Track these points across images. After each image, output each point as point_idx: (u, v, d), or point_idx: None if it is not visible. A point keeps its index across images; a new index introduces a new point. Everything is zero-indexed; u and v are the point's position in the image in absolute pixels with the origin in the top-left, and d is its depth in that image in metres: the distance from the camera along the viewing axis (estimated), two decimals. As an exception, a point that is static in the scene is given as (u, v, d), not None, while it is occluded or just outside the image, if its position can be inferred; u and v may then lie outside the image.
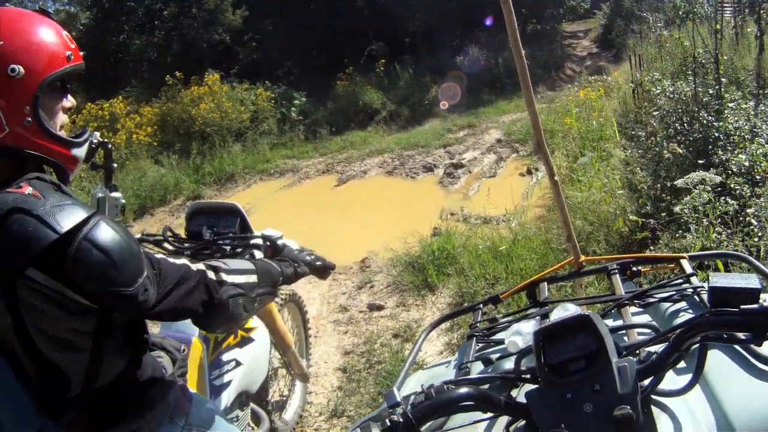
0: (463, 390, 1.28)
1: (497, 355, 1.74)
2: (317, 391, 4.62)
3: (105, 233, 1.49)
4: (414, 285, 5.88)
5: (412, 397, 1.30)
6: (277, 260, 2.23)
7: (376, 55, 18.05)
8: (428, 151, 11.74)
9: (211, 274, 1.77)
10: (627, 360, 1.20)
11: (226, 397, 2.61)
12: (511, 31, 2.44)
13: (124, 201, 2.13)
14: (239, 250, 2.73)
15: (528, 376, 1.42)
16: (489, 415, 1.40)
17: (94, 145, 1.88)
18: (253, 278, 1.96)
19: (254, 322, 2.95)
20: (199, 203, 3.14)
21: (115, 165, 2.21)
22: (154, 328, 3.50)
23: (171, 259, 1.71)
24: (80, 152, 1.76)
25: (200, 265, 1.77)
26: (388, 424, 1.25)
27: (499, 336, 1.92)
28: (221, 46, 20.33)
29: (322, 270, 2.41)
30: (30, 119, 1.57)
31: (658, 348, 1.24)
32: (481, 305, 2.15)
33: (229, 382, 2.65)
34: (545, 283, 2.11)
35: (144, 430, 1.83)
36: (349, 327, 5.60)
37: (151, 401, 1.84)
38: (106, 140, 1.97)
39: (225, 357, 2.70)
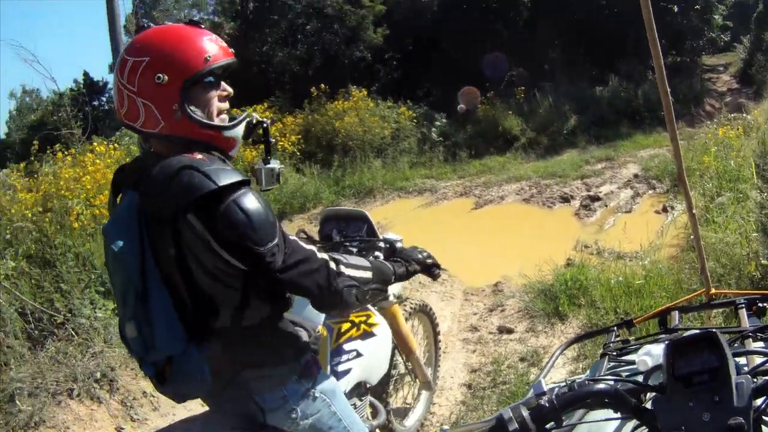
0: (602, 386, 1.46)
1: (627, 374, 1.84)
2: (441, 403, 4.85)
3: (249, 200, 1.89)
4: (545, 312, 6.00)
5: (556, 388, 1.47)
6: (392, 261, 2.55)
7: (516, 81, 18.40)
8: (565, 182, 12.09)
9: (332, 264, 2.09)
10: (745, 378, 1.32)
11: (345, 383, 2.78)
12: (658, 65, 2.65)
13: (279, 170, 2.38)
14: (364, 252, 2.96)
15: (655, 385, 1.52)
16: (616, 418, 1.57)
17: (252, 125, 2.20)
18: (368, 274, 2.28)
19: (377, 318, 3.15)
20: (331, 209, 3.48)
21: (273, 140, 2.45)
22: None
23: (301, 242, 2.06)
24: (234, 133, 2.12)
25: (325, 255, 2.10)
26: (535, 408, 1.42)
27: (629, 357, 2.01)
28: (362, 63, 21.07)
29: (432, 267, 2.66)
30: (179, 113, 1.96)
31: None
32: (615, 328, 2.24)
33: (348, 370, 2.83)
34: (677, 311, 2.19)
35: (274, 380, 2.15)
36: (478, 346, 5.80)
37: (285, 356, 2.16)
38: (263, 119, 2.26)
39: (346, 346, 2.89)
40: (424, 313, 4.26)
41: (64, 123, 12.07)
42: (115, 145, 10.67)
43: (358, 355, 2.91)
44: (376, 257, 2.80)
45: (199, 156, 1.93)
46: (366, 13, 20.81)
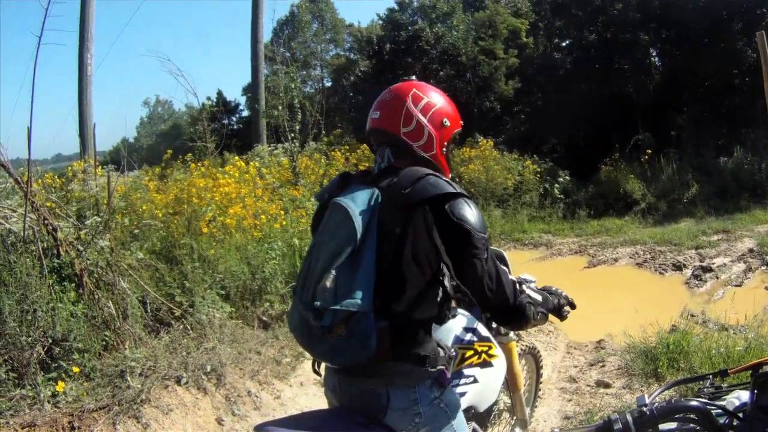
0: (695, 403, 1.67)
1: (717, 412, 1.85)
2: None
3: (472, 203, 2.33)
4: (643, 372, 6.04)
5: (656, 403, 1.70)
6: (549, 293, 2.91)
7: (642, 145, 18.26)
8: (680, 250, 12.03)
9: (517, 285, 2.46)
10: None
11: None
12: None
13: None
14: None
15: (741, 415, 1.73)
16: None
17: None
18: (539, 298, 2.70)
19: (497, 351, 3.26)
20: None
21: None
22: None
23: (496, 259, 2.38)
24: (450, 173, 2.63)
25: (513, 277, 2.54)
26: (637, 414, 1.65)
27: (720, 402, 2.02)
28: (491, 114, 21.57)
29: (568, 306, 2.97)
30: (445, 150, 2.56)
31: None
32: (711, 375, 2.31)
33: (464, 393, 2.95)
34: None
35: (412, 379, 2.38)
36: (574, 396, 5.99)
37: (426, 359, 2.33)
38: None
39: (466, 371, 3.02)
40: (533, 355, 4.49)
41: (199, 135, 13.05)
42: (254, 162, 11.39)
43: (475, 381, 3.04)
44: None
45: (437, 173, 2.40)
46: (499, 65, 21.39)
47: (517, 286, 2.47)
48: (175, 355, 5.57)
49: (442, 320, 2.45)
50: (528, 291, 2.67)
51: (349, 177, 2.62)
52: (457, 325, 3.12)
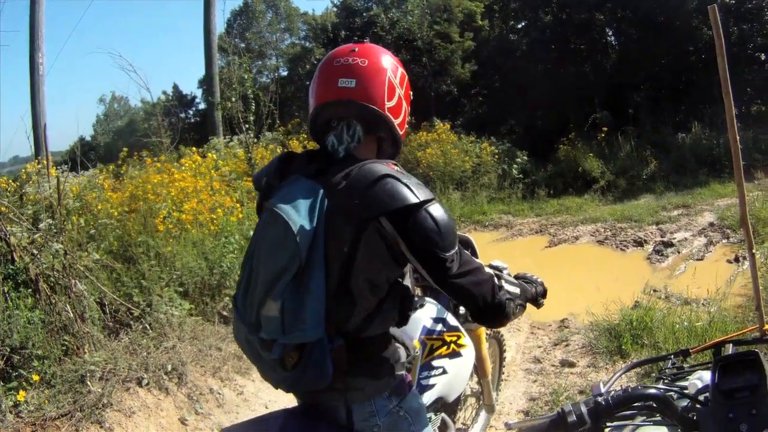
0: (653, 390, 1.66)
1: (678, 396, 1.90)
2: (497, 426, 4.92)
3: (439, 212, 2.01)
4: (608, 350, 6.10)
5: (613, 391, 1.67)
6: (525, 281, 2.71)
7: (600, 124, 18.53)
8: (640, 226, 12.21)
9: (495, 279, 2.20)
10: None
11: (427, 397, 2.84)
12: (729, 111, 2.71)
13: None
14: None
15: (701, 399, 1.72)
16: (663, 423, 1.78)
17: None
18: (518, 290, 2.46)
19: (466, 340, 3.19)
20: None
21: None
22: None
23: (469, 254, 2.15)
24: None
25: (490, 270, 2.24)
26: (592, 405, 1.63)
27: (682, 383, 2.06)
28: (448, 97, 21.60)
29: (544, 294, 2.79)
30: (407, 126, 2.34)
31: None
32: (672, 356, 2.33)
33: (433, 385, 2.90)
34: (731, 344, 2.25)
35: (367, 393, 2.19)
36: (539, 377, 6.00)
37: (384, 372, 2.20)
38: None
39: (435, 363, 2.95)
40: (496, 339, 4.43)
41: (154, 131, 12.91)
42: (210, 155, 11.25)
43: (444, 372, 2.98)
44: None
45: (396, 167, 2.10)
46: (455, 48, 21.42)
47: (495, 281, 2.22)
48: (135, 356, 5.51)
49: (405, 322, 2.27)
50: (506, 285, 2.38)
51: (291, 161, 2.27)
52: (425, 315, 3.04)
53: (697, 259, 9.99)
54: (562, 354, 6.47)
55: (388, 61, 2.22)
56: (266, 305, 1.99)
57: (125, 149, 11.93)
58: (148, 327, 6.03)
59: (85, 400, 4.72)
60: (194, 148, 12.46)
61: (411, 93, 2.33)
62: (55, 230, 6.22)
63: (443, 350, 3.02)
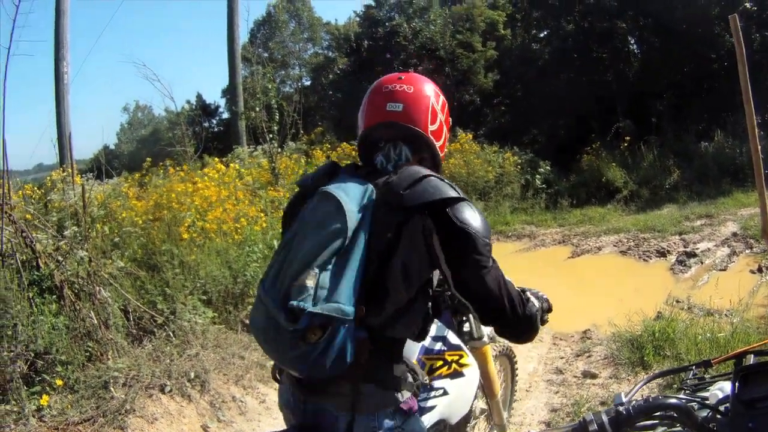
0: (674, 400, 1.62)
1: (699, 407, 1.85)
2: None
3: (475, 208, 2.11)
4: (630, 361, 6.04)
5: (634, 401, 1.64)
6: (537, 297, 2.65)
7: (622, 133, 18.46)
8: (663, 236, 12.19)
9: (522, 294, 2.25)
10: None
11: (427, 420, 2.75)
12: (750, 123, 2.90)
13: None
14: None
15: (722, 409, 1.68)
16: None
17: None
18: (539, 305, 2.44)
19: (469, 360, 3.08)
20: None
21: None
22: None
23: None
24: None
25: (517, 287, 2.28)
26: (614, 414, 1.59)
27: (703, 393, 2.03)
28: (471, 107, 21.61)
29: (550, 311, 2.74)
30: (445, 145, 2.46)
31: None
32: (694, 366, 2.26)
33: (433, 407, 2.80)
34: (752, 354, 2.18)
35: (372, 402, 2.13)
36: (561, 388, 5.96)
37: (392, 383, 2.15)
38: None
39: (435, 383, 2.85)
40: (507, 356, 4.32)
41: (178, 140, 13.01)
42: (234, 165, 11.35)
43: (445, 393, 2.87)
44: None
45: (436, 174, 2.20)
46: (477, 58, 21.46)
47: (523, 295, 2.26)
48: (158, 363, 5.54)
49: (424, 336, 2.29)
50: (533, 300, 2.38)
51: (337, 167, 2.34)
52: None
53: (720, 270, 9.94)
54: (584, 365, 6.46)
55: (430, 88, 2.37)
56: (302, 276, 1.93)
57: (149, 159, 12.06)
58: (171, 334, 6.08)
59: (108, 405, 4.78)
60: (216, 158, 12.60)
61: (450, 119, 2.48)
62: (80, 237, 6.28)
63: (444, 370, 2.93)
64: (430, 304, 2.20)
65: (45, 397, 4.74)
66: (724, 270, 9.95)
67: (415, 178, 2.09)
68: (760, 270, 9.40)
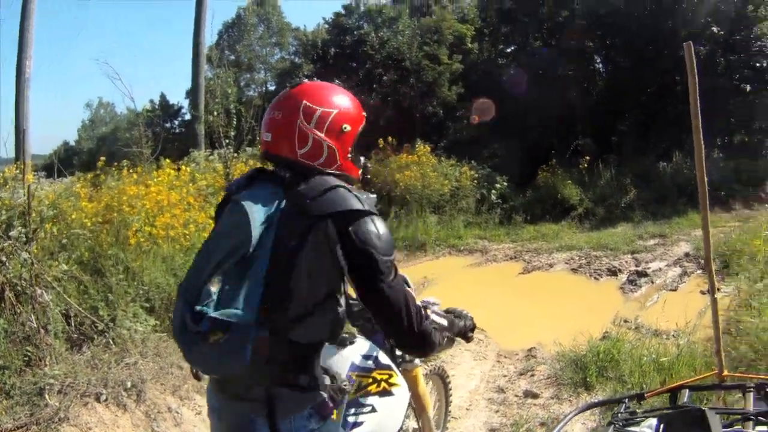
0: None
1: None
2: None
3: (380, 223, 2.16)
4: (572, 381, 6.04)
5: None
6: (455, 315, 2.81)
7: (582, 151, 18.58)
8: (616, 255, 12.22)
9: (422, 310, 2.28)
10: None
11: None
12: (698, 152, 2.81)
13: (376, 200, 2.44)
14: None
15: None
16: None
17: (364, 166, 2.56)
18: (445, 323, 2.60)
19: (399, 380, 3.11)
20: None
21: (369, 176, 2.93)
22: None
23: (405, 285, 2.26)
24: (361, 173, 2.49)
25: (419, 302, 2.31)
26: None
27: (633, 428, 2.04)
28: (434, 119, 21.65)
29: (473, 329, 2.87)
30: (350, 155, 2.36)
31: None
32: (626, 399, 2.30)
33: (361, 423, 2.85)
34: (687, 390, 2.25)
35: (288, 402, 2.16)
36: (501, 407, 5.88)
37: (305, 384, 2.18)
38: (366, 162, 2.61)
39: (363, 400, 2.90)
40: (439, 376, 4.34)
41: (135, 141, 12.71)
42: (185, 167, 11.10)
43: (373, 410, 2.93)
44: None
45: (346, 185, 2.23)
46: (443, 70, 21.44)
47: (422, 311, 2.29)
48: (95, 371, 5.42)
49: (334, 340, 2.30)
50: (433, 316, 2.51)
51: (262, 173, 2.40)
52: (355, 352, 2.98)
53: (671, 290, 9.96)
54: (527, 384, 6.37)
55: (302, 106, 2.29)
56: (208, 282, 2.08)
57: (103, 158, 11.71)
58: (111, 341, 5.96)
59: (42, 413, 4.67)
60: (168, 161, 12.27)
61: (346, 126, 2.35)
62: (25, 239, 6.12)
63: (373, 388, 2.97)
64: (340, 309, 2.22)
65: (-20, 402, 4.66)
66: (675, 290, 9.95)
67: (323, 189, 2.15)
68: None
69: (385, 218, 14.07)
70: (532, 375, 6.60)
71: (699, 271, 10.76)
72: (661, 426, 1.68)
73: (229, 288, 2.06)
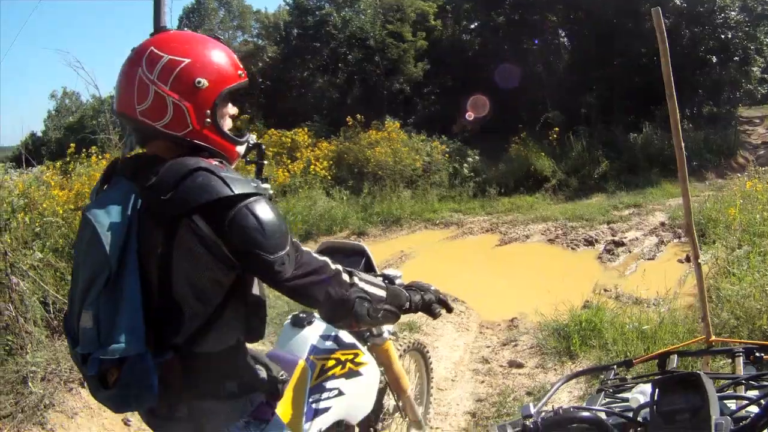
0: (586, 414, 1.57)
1: (619, 409, 1.86)
2: (444, 428, 5.00)
3: (262, 208, 1.82)
4: (556, 350, 6.08)
5: (543, 413, 1.59)
6: (407, 287, 2.43)
7: (552, 123, 18.55)
8: (592, 225, 12.23)
9: (344, 276, 2.04)
10: (724, 418, 1.38)
11: (321, 422, 2.72)
12: (673, 119, 2.83)
13: (271, 192, 2.21)
14: None
15: (640, 420, 1.62)
16: None
17: (250, 145, 2.23)
18: (382, 293, 2.18)
19: (366, 357, 3.04)
20: (329, 242, 3.34)
21: (266, 162, 2.51)
22: (263, 346, 4.19)
23: (314, 254, 2.01)
24: (241, 149, 2.12)
25: (338, 266, 2.04)
26: (520, 428, 1.52)
27: (625, 395, 2.05)
28: (401, 96, 21.59)
29: (440, 303, 2.50)
30: (209, 120, 1.93)
31: None
32: (615, 366, 2.29)
33: (327, 408, 2.75)
34: (675, 355, 2.23)
35: (218, 415, 1.97)
36: (487, 378, 5.90)
37: (234, 391, 1.98)
38: (260, 142, 2.35)
39: (328, 384, 2.79)
40: (418, 351, 4.19)
41: (102, 128, 12.45)
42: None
43: (340, 393, 2.83)
44: None
45: (215, 161, 1.90)
46: (407, 47, 21.34)
47: (343, 279, 2.04)
48: None
49: (255, 337, 2.06)
50: (364, 285, 2.13)
51: (119, 166, 2.03)
52: (312, 333, 2.87)
53: (649, 259, 9.98)
54: (511, 354, 6.38)
55: (148, 53, 1.91)
56: (82, 317, 1.77)
57: (72, 145, 11.52)
58: None
59: (27, 401, 4.64)
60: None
61: (200, 81, 1.92)
62: None
63: (337, 370, 2.86)
64: (252, 300, 2.00)
65: (-37, 393, 4.63)
66: (652, 259, 9.97)
67: (180, 176, 1.79)
68: (687, 259, 9.25)
69: (359, 194, 14.26)
70: (516, 345, 6.60)
71: (675, 240, 10.83)
72: (656, 391, 1.58)
73: (105, 319, 1.74)
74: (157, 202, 1.77)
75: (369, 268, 3.13)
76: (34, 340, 5.33)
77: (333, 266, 2.02)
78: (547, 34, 21.68)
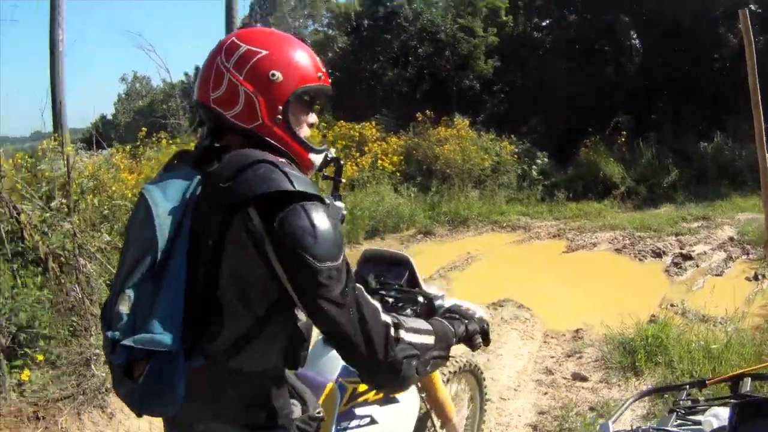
0: None
1: None
2: None
3: (319, 213, 1.65)
4: (621, 365, 5.91)
5: (621, 430, 1.62)
6: (449, 318, 2.16)
7: (621, 128, 18.36)
8: (660, 236, 12.10)
9: (392, 330, 1.75)
10: None
11: None
12: (758, 129, 2.75)
13: (345, 212, 2.17)
14: (400, 304, 2.70)
15: None
16: None
17: (328, 159, 2.06)
18: (431, 340, 1.92)
19: None
20: (372, 250, 3.13)
21: (343, 180, 2.37)
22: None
23: (367, 294, 1.76)
24: (316, 159, 1.95)
25: (387, 318, 1.77)
26: None
27: (696, 417, 1.97)
28: (470, 92, 21.39)
29: (487, 335, 2.25)
30: (280, 117, 1.81)
31: None
32: (688, 386, 2.20)
33: None
34: (749, 378, 2.12)
35: None
36: (550, 390, 5.80)
37: (260, 423, 1.80)
38: (339, 157, 2.19)
39: (359, 411, 2.55)
40: (472, 373, 3.81)
41: (172, 113, 12.80)
42: None
43: (372, 422, 2.57)
44: (414, 311, 2.62)
45: (282, 159, 1.78)
46: (478, 43, 21.21)
47: (391, 331, 1.76)
48: None
49: (295, 365, 1.86)
50: (408, 336, 1.82)
51: (185, 155, 1.95)
52: None
53: (716, 275, 9.78)
54: (575, 366, 6.34)
55: (229, 43, 1.87)
56: (120, 299, 1.63)
57: (144, 129, 11.82)
58: None
59: (89, 383, 4.71)
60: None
61: (275, 74, 1.83)
62: (66, 209, 6.23)
63: (370, 395, 2.59)
64: (299, 324, 1.80)
65: (26, 371, 4.70)
66: (720, 275, 9.77)
67: (243, 165, 1.68)
68: (756, 277, 9.26)
69: (427, 192, 14.35)
70: (580, 357, 6.55)
71: (744, 257, 10.61)
72: (734, 416, 1.50)
73: (143, 305, 1.60)
74: (215, 190, 1.67)
75: (412, 281, 2.89)
76: (99, 322, 5.47)
77: (383, 317, 1.77)
78: (619, 35, 21.40)
